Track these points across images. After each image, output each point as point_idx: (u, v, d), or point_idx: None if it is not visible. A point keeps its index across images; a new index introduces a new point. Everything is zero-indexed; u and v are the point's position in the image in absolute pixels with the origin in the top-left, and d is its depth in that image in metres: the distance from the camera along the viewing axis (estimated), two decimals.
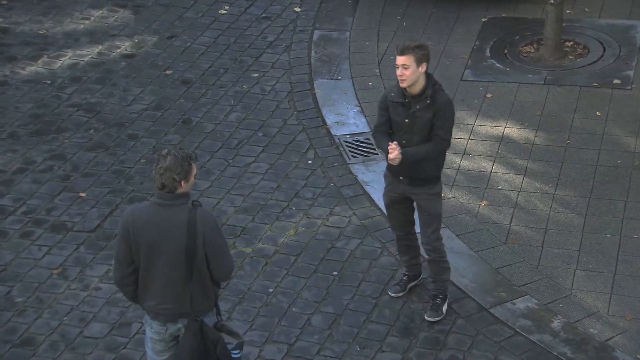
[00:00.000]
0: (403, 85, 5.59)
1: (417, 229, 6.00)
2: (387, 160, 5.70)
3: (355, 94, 8.04)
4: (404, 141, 5.69)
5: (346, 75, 8.26)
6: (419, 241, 6.04)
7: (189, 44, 8.76)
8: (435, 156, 5.70)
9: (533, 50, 8.46)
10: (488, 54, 8.44)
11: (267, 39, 8.81)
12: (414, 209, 5.94)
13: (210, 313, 4.91)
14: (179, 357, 4.82)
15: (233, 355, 4.86)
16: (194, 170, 4.72)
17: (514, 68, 8.25)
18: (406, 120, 5.66)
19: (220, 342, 4.83)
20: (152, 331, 4.94)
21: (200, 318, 4.83)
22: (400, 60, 5.53)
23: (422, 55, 5.52)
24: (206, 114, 7.91)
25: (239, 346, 4.89)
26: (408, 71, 5.53)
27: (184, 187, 4.69)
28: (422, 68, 5.56)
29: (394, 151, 5.57)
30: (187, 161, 4.66)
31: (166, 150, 4.68)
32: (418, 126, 5.65)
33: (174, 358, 4.88)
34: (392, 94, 5.71)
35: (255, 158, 7.42)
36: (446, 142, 5.66)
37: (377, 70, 8.30)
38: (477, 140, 7.46)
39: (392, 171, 5.83)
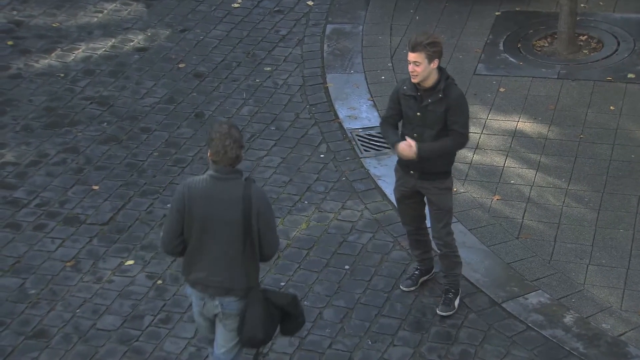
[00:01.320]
0: (414, 80, 5.59)
1: (429, 223, 6.00)
2: (395, 153, 5.69)
3: (368, 87, 8.04)
4: (415, 134, 5.68)
5: (359, 69, 8.26)
6: (430, 235, 6.04)
7: (201, 37, 8.77)
8: (454, 151, 5.69)
9: (547, 44, 8.44)
10: (501, 47, 8.42)
11: (280, 32, 8.81)
12: (424, 204, 5.94)
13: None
14: (251, 327, 4.90)
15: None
16: None
17: (528, 62, 8.23)
18: (418, 113, 5.65)
19: (295, 299, 4.98)
20: (195, 303, 5.05)
21: (262, 287, 4.96)
22: (412, 56, 5.52)
23: (433, 52, 5.50)
24: (219, 108, 7.92)
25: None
26: (419, 68, 5.53)
27: (242, 159, 4.92)
28: (434, 64, 5.54)
29: (410, 148, 5.55)
30: (240, 134, 4.88)
31: (226, 126, 4.83)
32: (430, 120, 5.64)
33: (247, 329, 4.93)
34: (405, 87, 5.70)
35: (268, 152, 7.43)
36: (464, 137, 5.63)
37: (389, 64, 8.29)
38: (490, 135, 7.45)
39: (403, 165, 5.83)
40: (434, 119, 5.63)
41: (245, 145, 4.99)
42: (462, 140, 5.65)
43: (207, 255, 4.90)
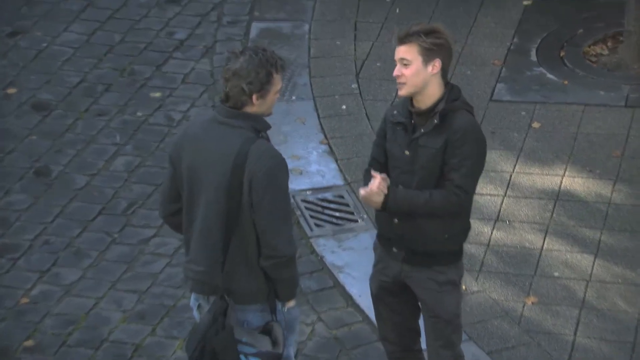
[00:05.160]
0: (402, 92, 5.61)
1: (424, 342, 6.02)
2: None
3: (320, 123, 8.10)
4: (400, 186, 5.66)
5: (305, 94, 8.33)
6: None
7: (44, 44, 8.80)
8: (442, 213, 5.66)
9: (606, 52, 8.59)
10: (534, 58, 8.56)
11: (175, 35, 8.87)
12: (418, 307, 5.94)
13: (260, 307, 5.35)
14: (192, 334, 5.38)
15: None
16: (277, 85, 5.28)
17: (577, 80, 8.36)
18: (406, 152, 5.65)
19: (229, 339, 5.28)
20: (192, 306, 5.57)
21: (229, 300, 5.28)
22: (400, 51, 5.56)
23: (432, 45, 5.51)
24: (75, 160, 7.92)
25: (263, 356, 5.33)
26: (409, 70, 5.54)
27: (256, 105, 5.27)
28: (433, 68, 5.55)
29: (376, 183, 5.56)
30: (265, 68, 5.23)
31: (241, 49, 5.27)
32: (421, 162, 5.62)
33: (189, 335, 5.46)
34: (395, 112, 5.72)
35: (157, 230, 7.43)
36: (463, 193, 5.60)
37: (354, 86, 8.37)
38: (519, 198, 7.53)
39: (382, 238, 5.80)
40: (426, 160, 5.59)
41: (249, 92, 5.20)
42: (459, 199, 5.58)
43: (193, 228, 5.33)
